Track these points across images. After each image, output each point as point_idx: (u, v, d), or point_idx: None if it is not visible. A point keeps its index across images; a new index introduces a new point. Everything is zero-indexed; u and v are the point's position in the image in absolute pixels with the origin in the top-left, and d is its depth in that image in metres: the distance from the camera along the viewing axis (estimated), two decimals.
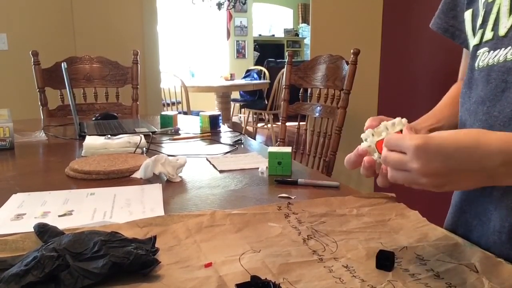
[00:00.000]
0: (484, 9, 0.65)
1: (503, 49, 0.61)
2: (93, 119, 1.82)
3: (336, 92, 1.72)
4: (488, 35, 0.64)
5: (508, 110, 0.59)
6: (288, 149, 1.00)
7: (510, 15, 0.60)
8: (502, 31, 0.61)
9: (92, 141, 1.21)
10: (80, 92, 2.16)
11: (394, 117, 0.61)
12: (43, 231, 0.62)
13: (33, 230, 0.63)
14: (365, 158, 0.59)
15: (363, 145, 0.61)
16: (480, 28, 0.65)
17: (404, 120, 0.60)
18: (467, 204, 0.70)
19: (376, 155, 0.59)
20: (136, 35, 3.09)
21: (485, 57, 0.64)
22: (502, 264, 0.55)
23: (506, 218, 0.60)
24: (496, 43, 0.62)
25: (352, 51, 1.62)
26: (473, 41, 0.68)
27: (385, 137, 0.56)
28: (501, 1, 0.62)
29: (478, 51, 0.66)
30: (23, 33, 2.84)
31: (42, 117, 2.06)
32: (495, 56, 0.62)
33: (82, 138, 1.35)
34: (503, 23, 0.61)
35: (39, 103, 2.07)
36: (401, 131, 0.59)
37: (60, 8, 2.90)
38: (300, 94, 1.90)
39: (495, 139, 0.50)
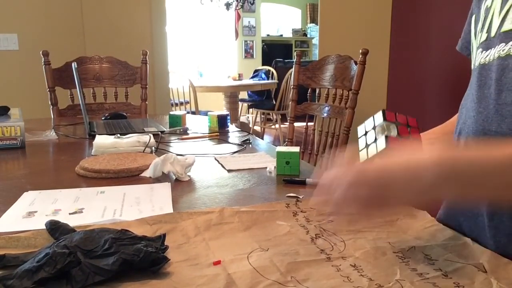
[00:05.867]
0: (484, 15, 0.68)
1: (492, 48, 0.63)
2: (103, 118, 1.83)
3: (345, 92, 1.71)
4: (483, 36, 0.67)
5: (491, 106, 0.62)
6: (296, 149, 1.00)
7: (499, 16, 0.63)
8: (493, 32, 0.64)
9: (102, 140, 1.23)
10: (90, 91, 2.17)
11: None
12: (55, 228, 0.63)
13: (44, 227, 0.64)
14: None
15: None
16: (479, 32, 0.69)
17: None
18: (455, 202, 0.71)
19: None
20: (145, 35, 3.11)
21: (478, 57, 0.67)
22: (510, 264, 0.55)
23: (494, 212, 0.62)
24: (488, 43, 0.65)
25: (360, 51, 1.62)
26: (475, 44, 0.70)
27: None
28: (496, 5, 0.65)
29: (477, 53, 0.69)
30: (34, 33, 2.87)
31: (52, 117, 2.08)
32: (487, 56, 0.65)
33: (92, 137, 1.37)
34: (494, 23, 0.64)
35: (50, 103, 2.09)
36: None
37: (70, 9, 2.93)
38: (308, 94, 1.90)
39: (429, 157, 0.51)
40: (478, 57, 0.67)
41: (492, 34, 0.64)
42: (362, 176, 0.53)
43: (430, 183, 0.50)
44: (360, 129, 0.64)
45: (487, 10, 0.66)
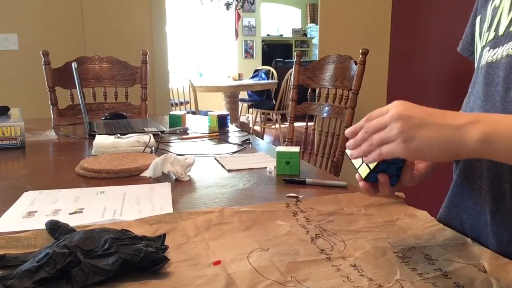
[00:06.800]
0: (491, 14, 0.68)
1: (501, 47, 0.64)
2: (103, 118, 1.83)
3: (345, 92, 1.71)
4: (491, 35, 0.67)
5: (499, 104, 0.62)
6: (296, 149, 1.00)
7: (508, 15, 0.64)
8: (501, 30, 0.64)
9: (102, 140, 1.23)
10: (90, 91, 2.17)
11: None
12: (55, 228, 0.63)
13: (44, 227, 0.64)
14: (360, 184, 0.62)
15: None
16: (486, 31, 0.69)
17: None
18: (458, 198, 0.72)
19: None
20: (145, 35, 3.11)
21: (485, 56, 0.67)
22: (510, 264, 0.55)
23: (497, 210, 0.62)
24: (496, 42, 0.65)
25: (360, 51, 1.62)
26: (480, 44, 0.69)
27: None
28: (504, 5, 0.65)
29: (483, 51, 0.69)
30: (34, 33, 2.87)
31: (52, 117, 2.08)
32: (494, 54, 0.65)
33: (92, 137, 1.37)
34: (502, 23, 0.64)
35: (50, 103, 2.09)
36: None
37: (70, 9, 2.93)
38: (308, 94, 1.90)
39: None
40: (485, 56, 0.67)
41: (500, 33, 0.64)
42: (407, 107, 0.54)
43: (466, 121, 0.52)
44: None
45: (495, 9, 0.67)
